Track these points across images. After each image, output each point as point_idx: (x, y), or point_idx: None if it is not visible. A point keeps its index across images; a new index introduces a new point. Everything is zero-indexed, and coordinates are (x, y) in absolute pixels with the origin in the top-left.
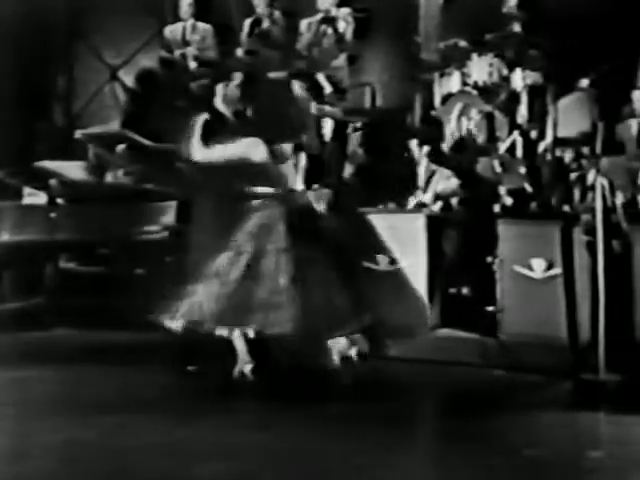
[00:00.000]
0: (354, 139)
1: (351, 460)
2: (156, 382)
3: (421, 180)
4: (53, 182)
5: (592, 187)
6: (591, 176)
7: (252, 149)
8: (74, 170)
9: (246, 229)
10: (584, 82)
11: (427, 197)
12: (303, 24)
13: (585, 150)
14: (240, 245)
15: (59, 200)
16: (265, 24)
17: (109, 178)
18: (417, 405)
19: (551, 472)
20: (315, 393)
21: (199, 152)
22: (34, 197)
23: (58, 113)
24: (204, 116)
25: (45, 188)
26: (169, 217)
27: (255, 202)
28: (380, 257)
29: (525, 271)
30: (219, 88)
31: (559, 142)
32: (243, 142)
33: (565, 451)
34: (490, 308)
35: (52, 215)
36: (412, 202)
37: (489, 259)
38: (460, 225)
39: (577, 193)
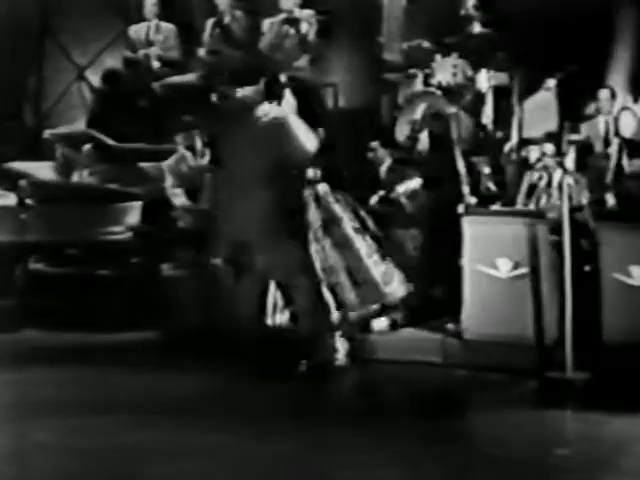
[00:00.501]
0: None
1: (313, 459)
2: (123, 383)
3: (384, 180)
4: (22, 183)
5: (559, 186)
6: (557, 175)
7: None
8: (43, 170)
9: None
10: (550, 82)
11: (393, 196)
12: (265, 24)
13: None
14: None
15: (28, 201)
16: (227, 23)
17: (75, 178)
18: (381, 405)
19: (518, 470)
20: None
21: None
22: (3, 198)
23: (28, 113)
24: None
25: (14, 189)
26: (134, 218)
27: None
28: None
29: (491, 271)
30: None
31: (525, 142)
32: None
33: (532, 449)
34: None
35: (22, 216)
36: (374, 201)
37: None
38: (424, 225)
39: (543, 192)
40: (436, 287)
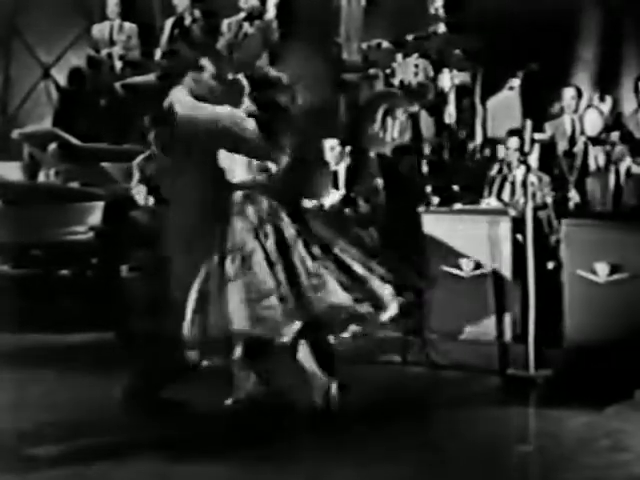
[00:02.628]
0: None
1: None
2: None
3: (341, 179)
4: None
5: (523, 184)
6: (520, 173)
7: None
8: (11, 171)
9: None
10: (514, 81)
11: (350, 196)
12: (224, 24)
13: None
14: None
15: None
16: (186, 24)
17: (42, 177)
18: (340, 404)
19: (479, 467)
20: None
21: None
22: None
23: None
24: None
25: None
26: (95, 218)
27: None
28: None
29: (453, 270)
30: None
31: (488, 141)
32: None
33: (492, 446)
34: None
35: None
36: (330, 201)
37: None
38: (384, 224)
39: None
40: None
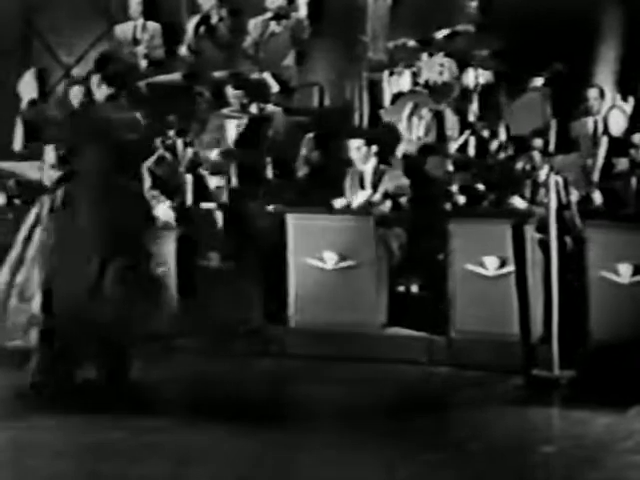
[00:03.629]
0: (307, 143)
1: (289, 458)
2: None
3: (368, 180)
4: (10, 183)
5: (545, 184)
6: (543, 173)
7: None
8: (31, 171)
9: None
10: (538, 81)
11: (376, 197)
12: (250, 24)
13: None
14: None
15: (16, 201)
16: (212, 22)
17: None
18: (364, 403)
19: (501, 467)
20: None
21: None
22: None
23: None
24: None
25: (2, 189)
26: None
27: None
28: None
29: (477, 269)
30: None
31: (512, 140)
32: None
33: (515, 446)
34: None
35: (9, 216)
36: (357, 201)
37: (440, 257)
38: (410, 224)
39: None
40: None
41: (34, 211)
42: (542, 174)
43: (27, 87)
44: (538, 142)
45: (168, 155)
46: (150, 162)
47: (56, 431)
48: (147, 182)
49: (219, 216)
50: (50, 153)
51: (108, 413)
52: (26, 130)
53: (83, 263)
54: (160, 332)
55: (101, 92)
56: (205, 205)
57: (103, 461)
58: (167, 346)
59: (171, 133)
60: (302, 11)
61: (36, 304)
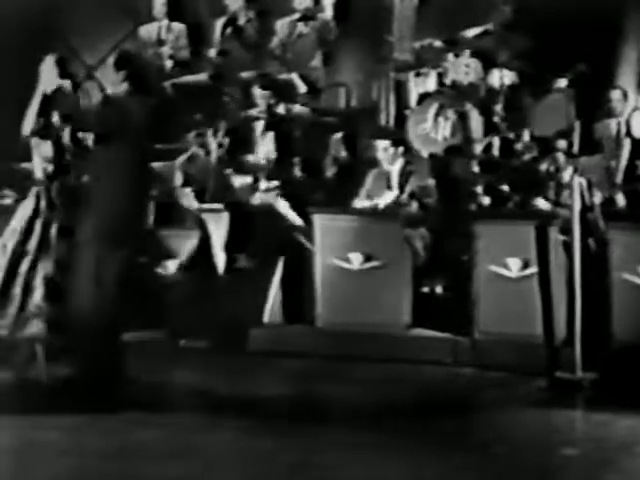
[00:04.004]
0: (334, 144)
1: (317, 458)
2: None
3: (394, 180)
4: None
5: (569, 186)
6: (567, 175)
7: None
8: None
9: None
10: (562, 82)
11: (403, 197)
12: (278, 24)
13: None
14: None
15: None
16: (239, 23)
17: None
18: (388, 403)
19: (523, 469)
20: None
21: None
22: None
23: None
24: None
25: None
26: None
27: None
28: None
29: (501, 270)
30: None
31: (536, 142)
32: None
33: (538, 448)
34: None
35: None
36: (384, 202)
37: (464, 258)
38: (435, 224)
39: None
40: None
41: (30, 203)
42: (566, 176)
43: (48, 74)
44: (562, 143)
45: (201, 152)
46: (182, 159)
47: (67, 431)
48: (178, 180)
49: (226, 216)
50: (46, 146)
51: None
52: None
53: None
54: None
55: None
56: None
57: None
58: (186, 345)
59: (206, 131)
60: (328, 12)
61: (40, 294)
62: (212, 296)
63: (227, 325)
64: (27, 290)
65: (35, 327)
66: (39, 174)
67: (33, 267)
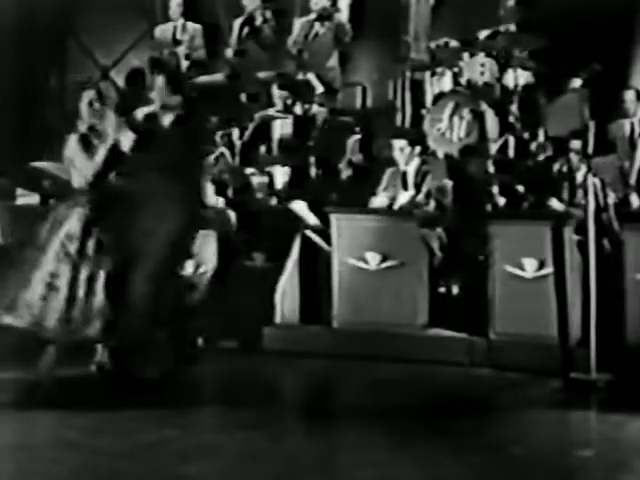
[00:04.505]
0: (352, 145)
1: (334, 458)
2: None
3: (411, 180)
4: (46, 183)
5: (583, 186)
6: (581, 175)
7: None
8: (64, 171)
9: None
10: (576, 82)
11: (419, 197)
12: (296, 24)
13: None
14: None
15: (52, 201)
16: (256, 24)
17: None
18: (405, 403)
19: (539, 470)
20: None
21: None
22: (27, 198)
23: (51, 113)
24: None
25: (38, 189)
26: None
27: None
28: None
29: (516, 270)
30: None
31: (551, 142)
32: None
33: (553, 449)
34: None
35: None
36: (401, 202)
37: (480, 258)
38: (452, 224)
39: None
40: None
41: (81, 209)
42: (580, 176)
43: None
44: (576, 144)
45: (227, 152)
46: (210, 159)
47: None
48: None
49: (232, 215)
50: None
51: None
52: None
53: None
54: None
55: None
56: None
57: (156, 459)
58: (210, 345)
59: (231, 131)
60: (344, 12)
61: (103, 296)
62: (231, 295)
63: (244, 324)
64: (90, 293)
65: (94, 329)
66: (78, 184)
67: (93, 272)
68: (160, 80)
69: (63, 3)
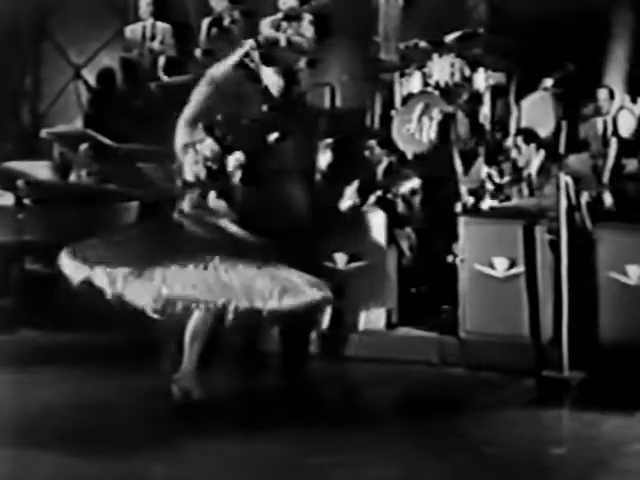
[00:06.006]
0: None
1: (309, 460)
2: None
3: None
4: (20, 183)
5: (555, 185)
6: (554, 173)
7: None
8: (40, 170)
9: None
10: (548, 82)
11: (388, 197)
12: (263, 24)
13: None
14: None
15: (26, 201)
16: (225, 24)
17: (73, 178)
18: (376, 404)
19: (512, 469)
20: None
21: None
22: (1, 198)
23: (25, 112)
24: None
25: (12, 189)
26: (130, 219)
27: None
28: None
29: (487, 270)
30: None
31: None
32: None
33: (527, 448)
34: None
35: (19, 216)
36: (369, 201)
37: (450, 258)
38: (421, 224)
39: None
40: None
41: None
42: (553, 174)
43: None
44: (548, 142)
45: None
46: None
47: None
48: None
49: None
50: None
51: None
52: None
53: None
54: None
55: None
56: None
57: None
58: None
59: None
60: (309, 16)
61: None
62: None
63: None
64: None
65: None
66: (191, 177)
67: None
68: None
69: (38, 2)
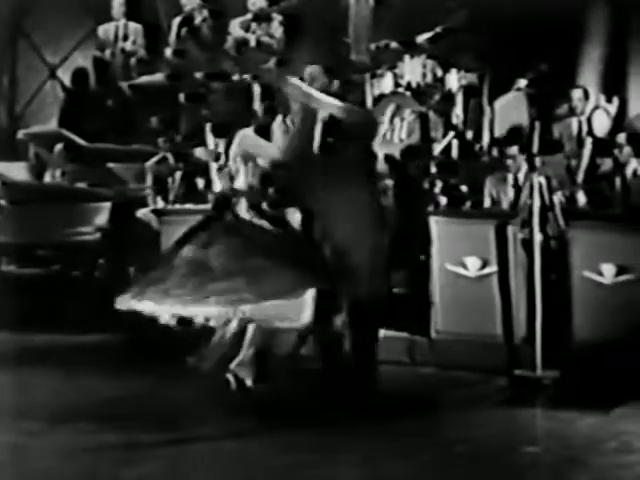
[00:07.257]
0: None
1: (280, 459)
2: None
3: None
4: None
5: (528, 185)
6: (525, 174)
7: None
8: (17, 171)
9: None
10: (521, 82)
11: None
12: (232, 24)
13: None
14: None
15: (1, 202)
16: (195, 23)
17: (47, 178)
18: (348, 404)
19: (485, 467)
20: None
21: None
22: None
23: (1, 113)
24: None
25: None
26: (102, 218)
27: None
28: None
29: (459, 269)
30: None
31: (495, 142)
32: None
33: (500, 446)
34: None
35: None
36: None
37: (422, 257)
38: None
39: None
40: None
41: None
42: (524, 175)
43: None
44: (521, 143)
45: (170, 156)
46: (152, 162)
47: None
48: (148, 181)
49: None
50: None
51: None
52: None
53: None
54: None
55: None
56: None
57: None
58: None
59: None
60: (278, 16)
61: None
62: None
63: None
64: None
65: None
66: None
67: None
68: None
69: (12, 2)
